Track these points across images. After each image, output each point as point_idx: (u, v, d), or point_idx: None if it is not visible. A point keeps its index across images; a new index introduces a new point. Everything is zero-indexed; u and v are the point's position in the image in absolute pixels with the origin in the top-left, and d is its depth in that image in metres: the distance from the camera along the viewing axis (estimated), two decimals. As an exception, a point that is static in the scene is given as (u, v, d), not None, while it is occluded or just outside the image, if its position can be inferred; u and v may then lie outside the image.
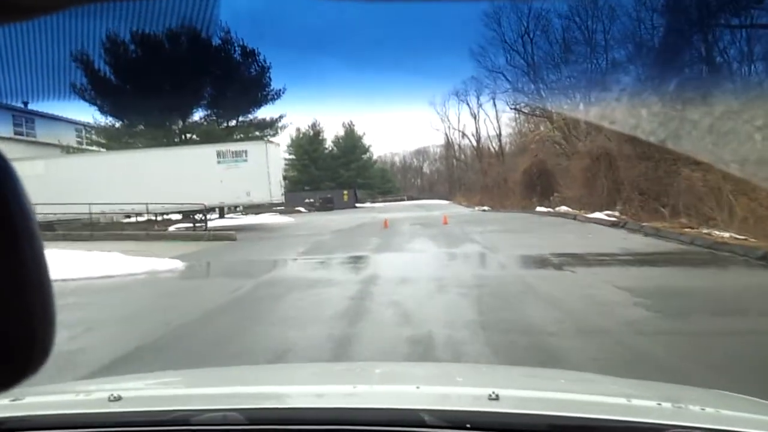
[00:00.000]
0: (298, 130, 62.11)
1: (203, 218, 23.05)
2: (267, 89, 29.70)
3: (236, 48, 28.16)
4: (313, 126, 62.57)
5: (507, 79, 31.63)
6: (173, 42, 25.84)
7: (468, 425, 1.26)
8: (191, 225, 23.54)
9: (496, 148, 47.66)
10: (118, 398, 1.45)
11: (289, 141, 62.80)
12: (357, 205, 54.02)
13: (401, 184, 78.10)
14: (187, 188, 21.07)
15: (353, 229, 21.54)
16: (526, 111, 34.71)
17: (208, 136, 28.35)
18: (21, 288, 0.47)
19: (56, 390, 1.81)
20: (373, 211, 39.32)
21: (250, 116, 31.46)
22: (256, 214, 37.76)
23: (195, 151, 23.45)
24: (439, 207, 41.09)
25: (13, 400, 1.44)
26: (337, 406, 1.51)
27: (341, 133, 64.13)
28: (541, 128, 32.81)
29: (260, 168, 22.21)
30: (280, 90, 29.90)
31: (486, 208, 33.38)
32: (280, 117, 32.85)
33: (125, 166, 22.17)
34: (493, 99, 44.92)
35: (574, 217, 20.69)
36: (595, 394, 1.73)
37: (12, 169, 0.48)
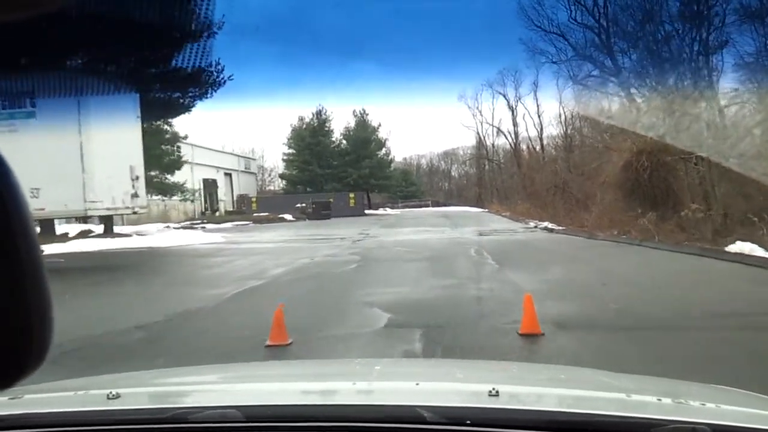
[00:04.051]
0: (300, 119, 50.86)
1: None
2: (192, 17, 17.87)
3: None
4: (318, 114, 50.99)
5: (569, 43, 20.19)
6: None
7: (468, 422, 1.24)
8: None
9: (537, 148, 37.09)
10: (117, 396, 1.43)
11: (288, 133, 51.57)
12: (367, 211, 43.63)
13: (427, 188, 69.89)
14: None
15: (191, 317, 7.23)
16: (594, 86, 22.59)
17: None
18: (18, 287, 0.48)
19: (55, 388, 1.77)
20: (376, 225, 27.34)
21: (171, 65, 19.41)
22: (205, 225, 26.39)
23: None
24: (471, 218, 29.92)
25: (12, 398, 1.43)
26: (336, 403, 1.51)
27: (352, 124, 52.24)
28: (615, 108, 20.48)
29: (66, 138, 9.85)
30: (216, 22, 18.04)
31: (549, 224, 20.76)
32: (217, 67, 20.22)
33: None
34: (535, 86, 34.94)
35: None
36: (595, 390, 1.70)
37: (9, 168, 0.49)
